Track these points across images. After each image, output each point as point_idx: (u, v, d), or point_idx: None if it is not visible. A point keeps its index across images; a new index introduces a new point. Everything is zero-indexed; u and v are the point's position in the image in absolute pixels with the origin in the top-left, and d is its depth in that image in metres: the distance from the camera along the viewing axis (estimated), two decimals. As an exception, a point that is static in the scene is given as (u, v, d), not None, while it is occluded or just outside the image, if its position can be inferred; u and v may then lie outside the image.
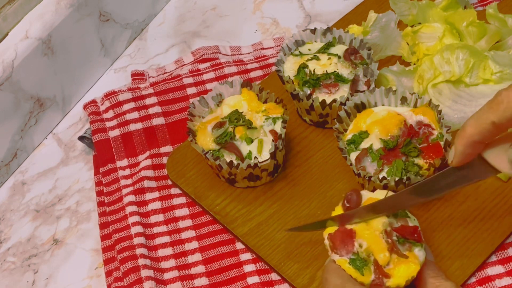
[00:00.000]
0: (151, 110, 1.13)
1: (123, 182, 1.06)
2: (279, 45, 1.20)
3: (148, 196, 1.04)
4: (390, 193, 0.88)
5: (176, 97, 1.15)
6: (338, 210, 0.89)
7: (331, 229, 0.86)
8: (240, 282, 0.96)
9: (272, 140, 0.98)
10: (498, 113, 0.76)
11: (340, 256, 0.84)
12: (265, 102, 1.02)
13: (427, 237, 0.94)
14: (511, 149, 0.79)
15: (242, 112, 1.01)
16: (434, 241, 0.94)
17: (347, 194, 0.88)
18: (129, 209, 1.02)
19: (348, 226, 0.85)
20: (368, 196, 0.88)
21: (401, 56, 1.12)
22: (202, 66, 1.18)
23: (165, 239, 1.00)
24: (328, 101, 1.02)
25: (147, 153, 1.08)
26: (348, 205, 0.88)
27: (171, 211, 1.03)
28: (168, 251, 0.99)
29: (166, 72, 1.19)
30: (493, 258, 0.94)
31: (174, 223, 1.02)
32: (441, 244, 0.94)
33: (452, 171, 0.83)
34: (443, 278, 0.84)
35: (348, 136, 0.98)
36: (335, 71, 1.04)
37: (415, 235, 0.85)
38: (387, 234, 0.84)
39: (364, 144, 0.96)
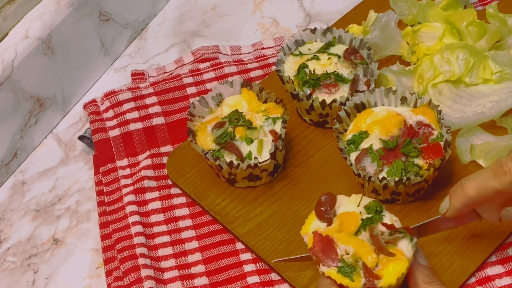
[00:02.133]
0: (151, 110, 1.13)
1: (123, 181, 1.06)
2: (279, 45, 1.20)
3: (148, 195, 1.04)
4: (365, 198, 0.88)
5: (176, 97, 1.15)
6: (312, 217, 0.89)
7: (310, 242, 0.86)
8: (240, 281, 0.96)
9: (272, 140, 0.98)
10: (505, 183, 0.80)
11: (328, 267, 0.84)
12: (265, 102, 1.02)
13: (427, 237, 0.94)
14: (508, 210, 0.85)
15: (242, 112, 1.01)
16: (434, 241, 0.94)
17: (320, 197, 0.89)
18: (129, 208, 1.02)
19: (323, 233, 0.85)
20: (343, 201, 0.89)
21: (401, 56, 1.12)
22: (202, 65, 1.18)
23: (165, 238, 1.00)
24: (328, 101, 1.02)
25: (147, 153, 1.08)
26: (322, 208, 0.88)
27: (171, 211, 1.03)
28: (168, 250, 0.99)
29: (166, 72, 1.19)
30: (493, 258, 0.94)
31: (174, 222, 1.02)
32: (441, 244, 0.94)
33: (442, 219, 0.88)
34: (438, 284, 0.84)
35: (348, 136, 0.98)
36: (335, 71, 1.04)
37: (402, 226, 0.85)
38: (372, 236, 0.84)
39: (364, 144, 0.96)
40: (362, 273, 0.83)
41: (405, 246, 0.85)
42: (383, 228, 0.85)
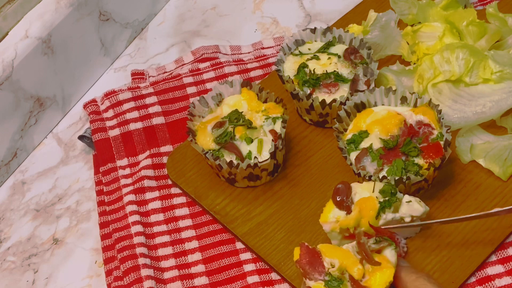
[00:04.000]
0: (151, 110, 1.13)
1: (123, 181, 1.06)
2: (279, 45, 1.20)
3: (148, 195, 1.04)
4: (378, 183, 0.90)
5: (176, 97, 1.15)
6: (330, 206, 0.90)
7: (296, 254, 0.85)
8: (240, 281, 0.96)
9: (272, 140, 0.98)
10: None
11: (315, 281, 0.83)
12: (265, 101, 1.02)
13: (427, 238, 0.94)
14: None
15: (242, 112, 1.01)
16: (434, 241, 0.94)
17: (336, 186, 0.90)
18: (129, 208, 1.02)
19: (311, 247, 0.84)
20: (357, 188, 0.90)
21: (401, 56, 1.12)
22: (202, 65, 1.18)
23: (165, 238, 1.00)
24: (328, 100, 1.02)
25: (147, 153, 1.08)
26: (339, 198, 0.89)
27: (171, 211, 1.03)
28: (168, 250, 0.99)
29: (166, 72, 1.19)
30: (493, 258, 0.94)
31: (174, 222, 1.02)
32: (441, 244, 0.94)
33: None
34: (424, 277, 0.84)
35: (348, 135, 0.98)
36: (335, 71, 1.04)
37: (389, 233, 0.86)
38: (359, 244, 0.84)
39: (364, 144, 0.96)
40: (350, 286, 0.82)
41: (388, 253, 0.85)
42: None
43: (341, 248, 0.85)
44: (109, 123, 1.13)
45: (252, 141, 0.98)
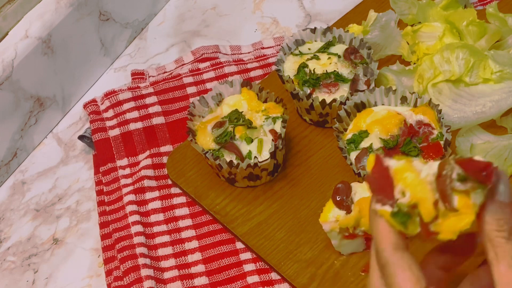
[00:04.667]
0: (151, 110, 1.13)
1: (123, 181, 1.06)
2: (279, 45, 1.20)
3: (148, 195, 1.04)
4: None
5: (176, 97, 1.15)
6: (330, 205, 0.90)
7: (369, 165, 0.69)
8: (240, 281, 0.96)
9: (272, 140, 0.98)
10: None
11: (382, 205, 0.67)
12: (265, 101, 1.02)
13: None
14: None
15: (242, 111, 1.01)
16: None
17: (336, 186, 0.90)
18: (129, 208, 1.02)
19: (385, 163, 0.68)
20: (357, 188, 0.90)
21: (401, 56, 1.12)
22: (202, 65, 1.18)
23: (165, 238, 1.00)
24: (328, 100, 1.02)
25: (147, 153, 1.08)
26: (338, 197, 0.89)
27: (171, 211, 1.03)
28: (168, 250, 0.99)
29: (166, 72, 1.19)
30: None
31: (174, 222, 1.02)
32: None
33: None
34: None
35: (348, 135, 0.98)
36: (335, 71, 1.04)
37: (484, 173, 0.63)
38: (440, 178, 0.65)
39: (364, 144, 0.96)
40: (419, 222, 0.66)
41: (475, 197, 0.64)
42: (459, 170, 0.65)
43: (418, 177, 0.67)
44: (109, 123, 1.13)
45: (252, 141, 0.98)
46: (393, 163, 0.68)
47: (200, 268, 0.97)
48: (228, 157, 0.98)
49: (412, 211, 0.67)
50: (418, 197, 0.66)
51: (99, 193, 1.07)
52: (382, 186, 0.67)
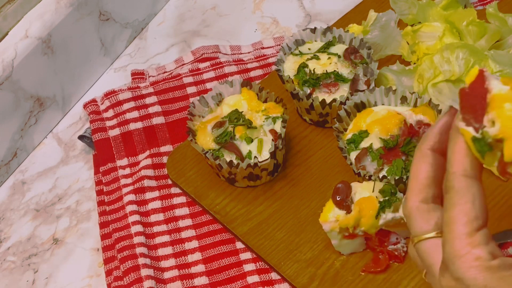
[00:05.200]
0: (151, 109, 1.13)
1: (123, 181, 1.06)
2: (279, 45, 1.20)
3: (148, 195, 1.04)
4: (378, 183, 0.90)
5: (176, 96, 1.15)
6: (330, 205, 0.90)
7: (469, 78, 0.62)
8: (240, 281, 0.96)
9: (272, 140, 0.98)
10: None
11: (467, 125, 0.61)
12: (265, 101, 1.02)
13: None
14: None
15: (242, 111, 1.01)
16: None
17: (336, 186, 0.90)
18: (129, 208, 1.02)
19: (487, 84, 0.61)
20: (357, 188, 0.91)
21: (401, 56, 1.12)
22: (202, 65, 1.18)
23: (165, 238, 1.00)
24: (328, 100, 1.02)
25: (147, 152, 1.08)
26: (338, 197, 0.90)
27: (171, 210, 1.03)
28: (168, 250, 0.99)
29: (166, 72, 1.19)
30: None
31: (174, 222, 1.02)
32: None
33: None
34: None
35: (348, 135, 0.98)
36: (335, 71, 1.04)
37: None
38: None
39: (364, 144, 0.96)
40: (498, 157, 0.61)
41: None
42: None
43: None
44: (109, 123, 1.13)
45: (252, 140, 0.98)
46: (496, 87, 0.61)
47: (200, 268, 0.97)
48: (228, 157, 0.98)
49: (496, 144, 0.61)
50: (507, 134, 0.60)
51: (99, 193, 1.06)
52: (474, 106, 0.61)
